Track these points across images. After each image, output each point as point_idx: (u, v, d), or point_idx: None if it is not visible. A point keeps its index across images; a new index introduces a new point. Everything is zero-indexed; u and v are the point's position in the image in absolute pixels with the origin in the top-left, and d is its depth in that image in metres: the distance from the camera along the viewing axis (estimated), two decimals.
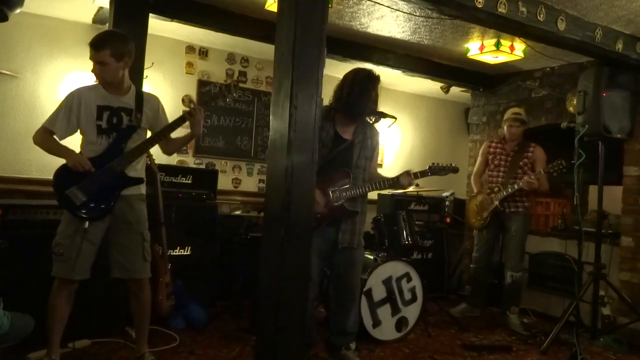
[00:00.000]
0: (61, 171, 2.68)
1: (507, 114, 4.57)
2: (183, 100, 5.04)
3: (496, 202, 4.33)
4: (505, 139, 4.56)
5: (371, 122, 3.09)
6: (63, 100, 2.72)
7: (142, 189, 2.85)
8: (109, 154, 2.69)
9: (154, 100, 2.92)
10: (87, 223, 2.62)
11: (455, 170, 3.23)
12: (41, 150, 2.73)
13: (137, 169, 2.82)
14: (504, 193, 4.29)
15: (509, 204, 4.35)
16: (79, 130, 2.74)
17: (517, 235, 4.36)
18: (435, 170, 3.17)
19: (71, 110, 2.68)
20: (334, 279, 3.18)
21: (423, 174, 3.11)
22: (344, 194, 2.95)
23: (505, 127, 4.53)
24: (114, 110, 2.74)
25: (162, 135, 2.80)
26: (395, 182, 3.06)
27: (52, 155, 2.74)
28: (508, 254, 4.43)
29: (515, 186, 4.22)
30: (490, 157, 4.56)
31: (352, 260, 3.11)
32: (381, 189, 3.13)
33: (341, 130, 3.02)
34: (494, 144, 4.61)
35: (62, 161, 2.69)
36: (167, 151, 3.01)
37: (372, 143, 3.13)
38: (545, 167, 4.16)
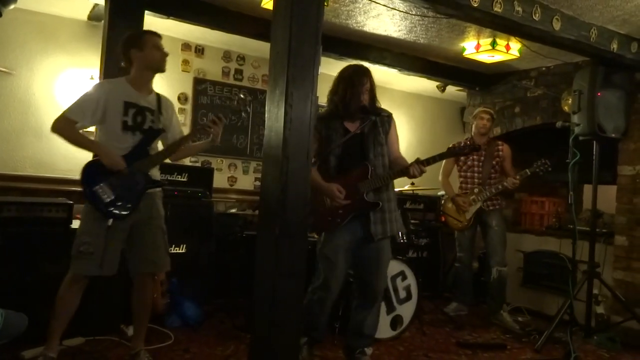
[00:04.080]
0: (91, 166, 2.65)
1: (476, 110, 4.68)
2: (179, 98, 5.04)
3: (479, 203, 4.39)
4: (473, 140, 4.45)
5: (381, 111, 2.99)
6: (90, 91, 2.70)
7: None
8: (134, 154, 2.70)
9: (170, 104, 2.97)
10: (110, 220, 2.63)
11: (477, 148, 3.28)
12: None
13: (157, 172, 2.90)
14: (487, 194, 4.36)
15: (489, 202, 4.42)
16: (94, 126, 2.75)
17: (500, 229, 4.44)
18: (453, 152, 3.22)
19: (99, 103, 2.66)
20: (359, 275, 3.07)
21: (434, 159, 2.97)
22: (362, 186, 2.91)
23: (474, 123, 4.58)
24: (140, 109, 2.75)
25: (185, 141, 2.87)
26: (405, 171, 2.94)
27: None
28: (492, 248, 4.44)
29: (500, 187, 4.31)
30: (462, 158, 4.53)
31: (381, 252, 2.98)
32: (394, 178, 3.03)
33: (349, 127, 2.98)
34: (463, 145, 4.54)
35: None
36: (176, 157, 3.02)
37: (384, 128, 3.02)
38: (530, 168, 4.19)
